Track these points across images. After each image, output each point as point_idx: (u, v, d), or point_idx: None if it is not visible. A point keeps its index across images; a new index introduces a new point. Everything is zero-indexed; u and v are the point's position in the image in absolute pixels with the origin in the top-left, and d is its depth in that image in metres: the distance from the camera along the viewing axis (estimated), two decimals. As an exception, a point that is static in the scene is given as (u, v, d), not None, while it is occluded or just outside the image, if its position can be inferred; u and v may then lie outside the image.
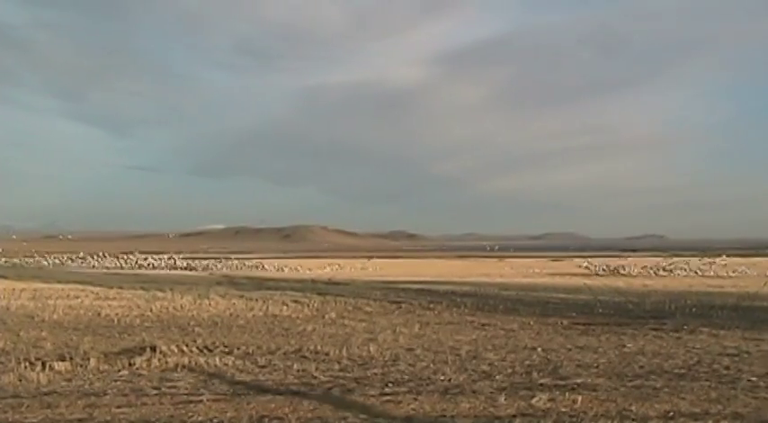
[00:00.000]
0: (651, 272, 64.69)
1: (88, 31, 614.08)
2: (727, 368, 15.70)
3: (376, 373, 15.06)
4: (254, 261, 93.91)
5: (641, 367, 15.79)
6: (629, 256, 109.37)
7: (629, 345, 19.37)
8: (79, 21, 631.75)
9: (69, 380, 14.47)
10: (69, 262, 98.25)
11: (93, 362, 16.19)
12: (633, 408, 11.91)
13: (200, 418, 11.42)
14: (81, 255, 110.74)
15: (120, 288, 42.25)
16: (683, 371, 15.33)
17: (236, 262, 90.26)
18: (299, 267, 79.57)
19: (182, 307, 30.07)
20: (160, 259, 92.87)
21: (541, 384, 13.86)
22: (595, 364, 16.15)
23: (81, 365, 15.90)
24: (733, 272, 65.07)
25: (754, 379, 14.44)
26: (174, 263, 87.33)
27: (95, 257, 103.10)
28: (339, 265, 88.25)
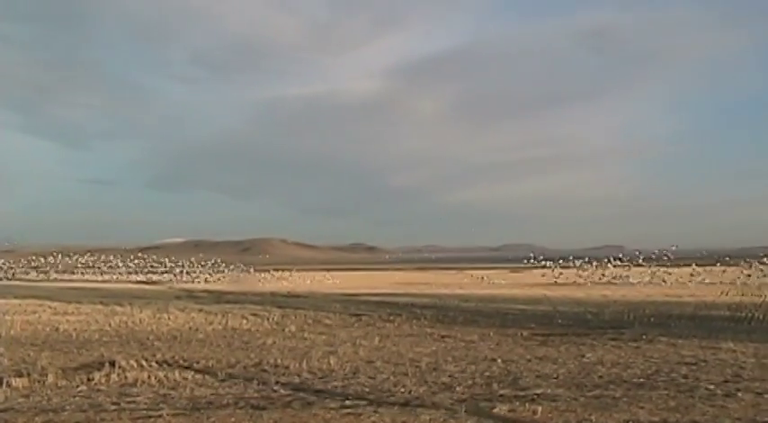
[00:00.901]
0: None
1: (42, 44, 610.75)
2: (685, 377, 15.81)
3: (336, 386, 15.05)
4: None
5: (600, 377, 15.87)
6: (587, 269, 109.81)
7: (588, 355, 19.46)
8: (33, 33, 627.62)
9: (27, 396, 14.34)
10: (26, 275, 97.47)
11: (51, 378, 16.05)
12: (593, 417, 11.98)
13: (160, 433, 11.34)
14: (39, 266, 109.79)
15: (79, 303, 41.93)
16: (641, 380, 15.42)
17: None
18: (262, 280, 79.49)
19: (141, 321, 29.91)
20: (117, 271, 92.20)
21: (501, 395, 13.90)
22: (555, 375, 16.21)
23: (39, 381, 15.76)
24: (689, 281, 65.69)
25: (711, 387, 14.56)
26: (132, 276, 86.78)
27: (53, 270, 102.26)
28: (296, 277, 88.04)
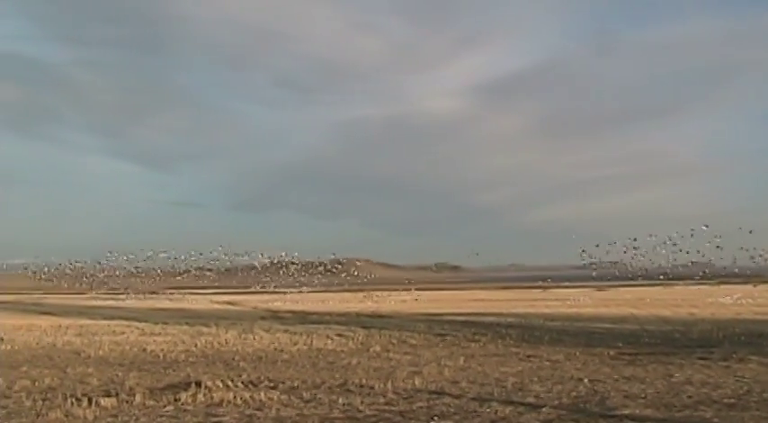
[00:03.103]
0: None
1: (128, 69, 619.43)
2: (777, 398, 15.47)
3: (421, 407, 14.98)
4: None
5: (689, 397, 15.61)
6: (676, 285, 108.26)
7: (676, 374, 19.16)
8: (119, 58, 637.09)
9: (115, 416, 14.51)
10: (114, 300, 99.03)
11: (138, 397, 16.23)
12: (682, 439, 11.76)
13: (245, 454, 11.37)
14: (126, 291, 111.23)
15: (165, 324, 42.40)
16: (732, 401, 15.13)
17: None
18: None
19: (226, 342, 30.12)
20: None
21: (588, 416, 13.73)
22: (643, 395, 15.98)
23: (127, 401, 15.94)
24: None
25: (805, 408, 14.22)
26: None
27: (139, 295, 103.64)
28: (380, 297, 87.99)
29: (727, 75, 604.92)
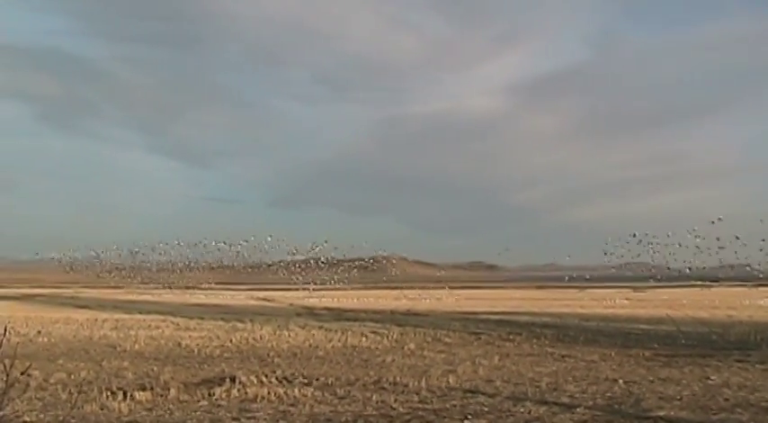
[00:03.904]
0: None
1: (167, 65, 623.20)
2: (815, 401, 15.32)
3: (455, 405, 14.95)
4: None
5: (726, 400, 15.48)
6: (712, 287, 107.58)
7: (713, 377, 19.01)
8: (158, 54, 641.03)
9: (150, 410, 14.57)
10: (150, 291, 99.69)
11: (173, 392, 16.31)
12: (719, 441, 11.66)
13: (279, 449, 11.38)
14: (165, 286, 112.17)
15: (201, 319, 42.60)
16: (769, 404, 14.99)
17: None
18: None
19: (261, 338, 30.19)
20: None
21: (623, 417, 13.65)
22: (678, 397, 15.86)
23: (162, 395, 16.02)
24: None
25: (843, 412, 14.08)
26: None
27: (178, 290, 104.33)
28: (418, 295, 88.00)
29: (764, 76, 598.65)
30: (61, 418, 13.75)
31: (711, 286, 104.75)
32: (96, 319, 41.40)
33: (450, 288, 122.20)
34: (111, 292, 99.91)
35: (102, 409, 14.51)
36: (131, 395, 15.79)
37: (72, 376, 19.17)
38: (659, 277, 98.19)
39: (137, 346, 27.00)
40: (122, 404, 14.86)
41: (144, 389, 16.77)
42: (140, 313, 48.98)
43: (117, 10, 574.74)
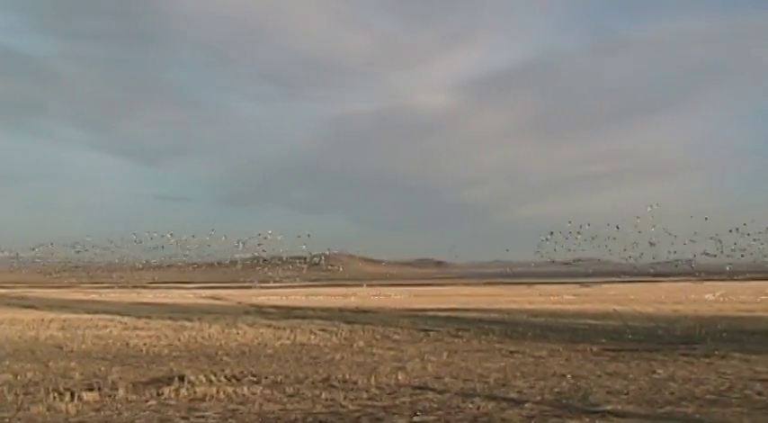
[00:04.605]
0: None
1: (115, 63, 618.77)
2: (759, 394, 15.55)
3: (404, 402, 14.98)
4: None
5: (672, 393, 15.66)
6: (660, 282, 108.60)
7: (659, 371, 19.23)
8: (106, 52, 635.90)
9: (98, 410, 14.47)
10: (97, 294, 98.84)
11: (121, 392, 16.20)
12: (665, 435, 11.79)
13: (228, 448, 11.36)
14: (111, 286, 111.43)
15: (149, 318, 42.31)
16: (714, 397, 15.18)
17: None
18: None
19: (210, 336, 30.09)
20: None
21: (571, 411, 13.75)
22: (625, 391, 16.02)
23: (110, 396, 15.90)
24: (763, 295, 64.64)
25: (787, 404, 14.28)
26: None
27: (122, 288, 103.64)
28: (364, 293, 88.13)
29: (716, 73, 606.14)
30: (7, 420, 13.62)
31: (658, 282, 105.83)
32: (43, 320, 40.98)
33: (369, 285, 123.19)
34: (58, 292, 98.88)
35: (49, 411, 14.38)
36: (79, 396, 15.65)
37: (18, 377, 18.95)
38: (606, 273, 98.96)
39: (84, 346, 26.79)
40: (70, 405, 14.73)
41: (92, 389, 16.64)
42: (88, 313, 48.51)
43: (63, 6, 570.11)
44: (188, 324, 36.85)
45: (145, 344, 27.30)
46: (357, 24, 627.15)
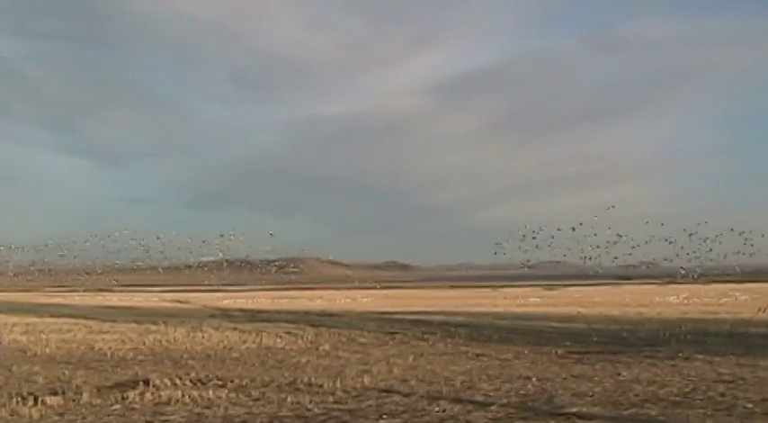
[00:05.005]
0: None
1: (80, 63, 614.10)
2: (722, 395, 15.66)
3: (370, 405, 14.98)
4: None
5: (637, 396, 15.74)
6: (625, 284, 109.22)
7: (624, 373, 19.32)
8: (71, 53, 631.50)
9: (62, 414, 14.37)
10: (62, 298, 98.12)
11: (85, 396, 16.09)
12: (629, 436, 11.85)
13: (193, 452, 11.31)
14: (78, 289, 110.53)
15: (113, 321, 42.02)
16: (678, 399, 15.28)
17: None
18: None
19: (175, 340, 29.94)
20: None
21: (537, 414, 13.80)
22: (591, 393, 16.10)
23: (74, 400, 15.79)
24: (726, 298, 65.18)
25: (749, 406, 14.41)
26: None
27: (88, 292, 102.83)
28: (331, 297, 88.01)
29: (682, 77, 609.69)
30: (-31, 424, 13.52)
31: (623, 284, 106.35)
32: (6, 323, 40.56)
33: (364, 288, 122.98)
34: (21, 296, 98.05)
35: (12, 415, 14.28)
36: (42, 400, 15.54)
37: (-20, 382, 18.83)
38: (572, 275, 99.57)
39: (48, 350, 26.57)
40: (33, 409, 14.64)
41: (55, 393, 16.50)
42: (51, 316, 48.05)
43: (26, 7, 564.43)
44: (153, 327, 36.62)
45: (109, 347, 27.11)
46: (325, 27, 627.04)
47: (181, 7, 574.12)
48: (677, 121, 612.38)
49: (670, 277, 79.80)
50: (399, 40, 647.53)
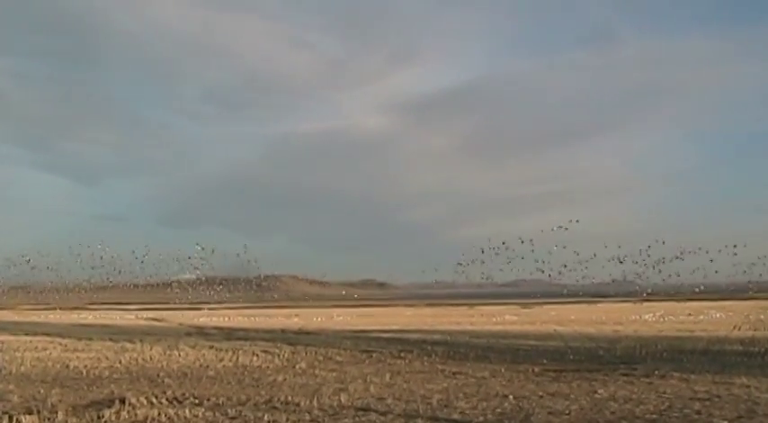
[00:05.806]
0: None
1: (55, 81, 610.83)
2: (698, 413, 15.74)
3: (347, 423, 14.97)
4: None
5: (613, 413, 15.80)
6: (601, 302, 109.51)
7: (600, 391, 19.38)
8: (46, 70, 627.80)
9: (37, 433, 14.31)
10: (38, 316, 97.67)
11: (61, 415, 16.02)
12: (605, 454, 11.89)
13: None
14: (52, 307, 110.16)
15: (89, 339, 41.81)
16: (654, 416, 15.35)
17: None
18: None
19: (151, 358, 29.82)
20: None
21: (513, 432, 13.83)
22: (567, 411, 16.14)
23: (49, 419, 15.73)
24: (701, 316, 65.53)
25: (725, 423, 14.48)
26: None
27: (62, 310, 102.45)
28: (307, 314, 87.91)
29: (655, 96, 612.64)
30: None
31: (599, 302, 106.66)
32: (-21, 342, 40.39)
33: (340, 307, 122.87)
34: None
35: (-14, 434, 14.21)
36: (17, 419, 15.49)
37: (-46, 400, 18.71)
38: (548, 294, 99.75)
39: (23, 369, 26.44)
40: (8, 428, 14.57)
41: (30, 412, 16.42)
42: (26, 334, 47.82)
43: (3, 23, 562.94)
44: (129, 346, 36.46)
45: (85, 366, 26.99)
46: (300, 45, 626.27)
47: (157, 25, 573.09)
48: (646, 140, 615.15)
49: (633, 295, 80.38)
50: (376, 58, 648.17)
